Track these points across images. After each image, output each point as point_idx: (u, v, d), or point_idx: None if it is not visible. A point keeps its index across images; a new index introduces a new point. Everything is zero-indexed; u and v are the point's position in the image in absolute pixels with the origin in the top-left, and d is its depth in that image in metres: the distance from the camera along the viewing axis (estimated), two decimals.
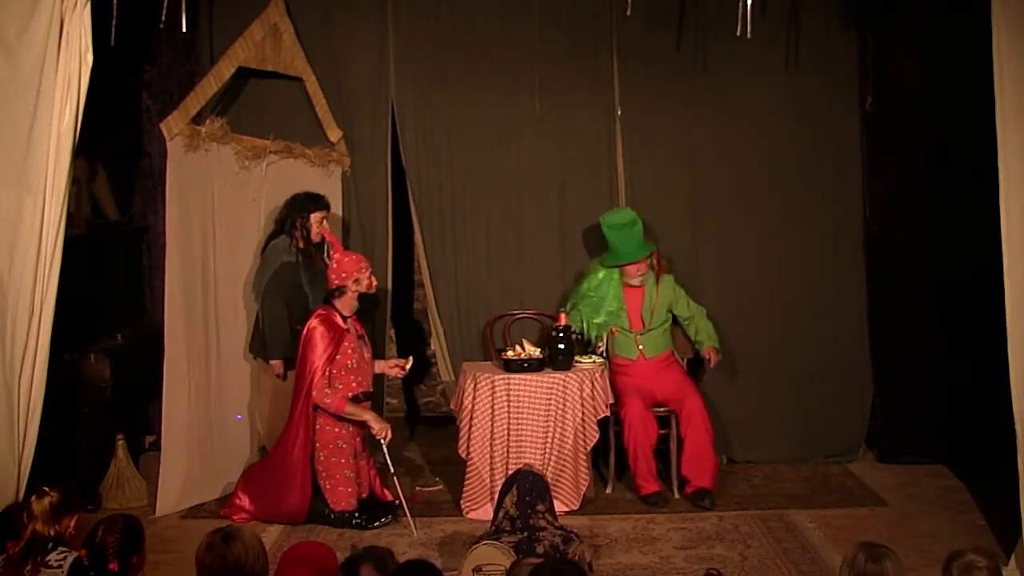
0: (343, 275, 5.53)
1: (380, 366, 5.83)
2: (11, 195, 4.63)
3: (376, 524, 5.47)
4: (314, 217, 5.91)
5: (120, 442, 5.96)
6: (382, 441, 5.47)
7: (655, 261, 6.15)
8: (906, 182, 6.54)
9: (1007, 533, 4.97)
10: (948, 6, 6.16)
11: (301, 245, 5.92)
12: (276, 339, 5.88)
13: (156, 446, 6.60)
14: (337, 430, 5.53)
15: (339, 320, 5.53)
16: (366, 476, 5.71)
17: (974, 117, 5.15)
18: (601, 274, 6.09)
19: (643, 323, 6.07)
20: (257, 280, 6.00)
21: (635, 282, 6.06)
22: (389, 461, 5.51)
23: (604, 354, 6.06)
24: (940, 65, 6.35)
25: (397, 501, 5.59)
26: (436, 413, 7.73)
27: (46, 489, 3.75)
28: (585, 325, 6.06)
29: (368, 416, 5.51)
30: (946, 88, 6.32)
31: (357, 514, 5.50)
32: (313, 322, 5.51)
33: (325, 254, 6.03)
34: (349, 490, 5.53)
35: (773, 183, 6.50)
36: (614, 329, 6.08)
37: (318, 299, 5.76)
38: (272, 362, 5.92)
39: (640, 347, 6.07)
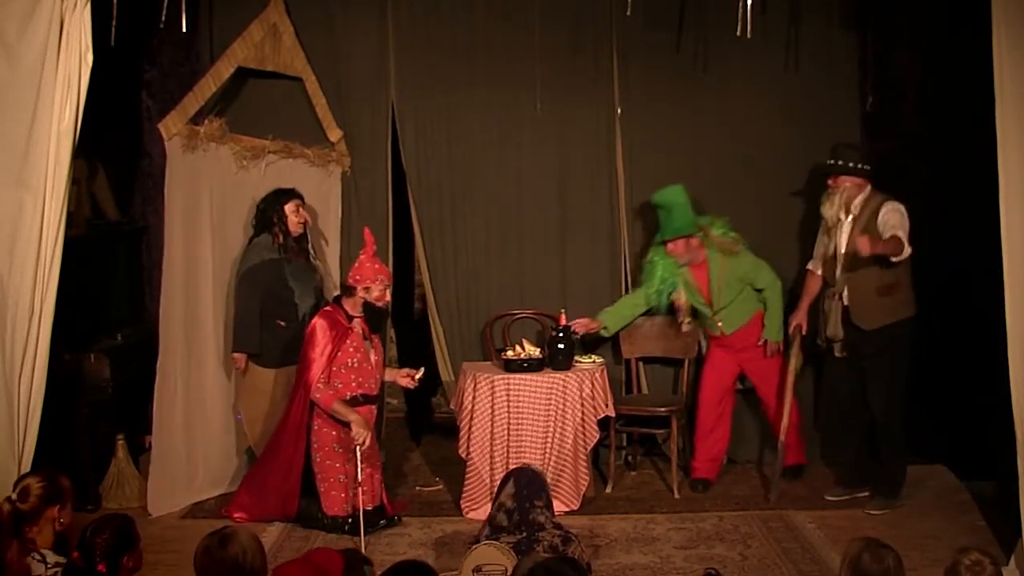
0: (356, 278, 5.49)
1: (391, 374, 5.80)
2: (11, 195, 4.62)
3: (370, 530, 5.32)
4: (288, 208, 5.88)
5: (120, 442, 5.96)
6: (357, 447, 5.33)
7: (709, 238, 6.08)
8: (906, 182, 6.53)
9: (1007, 533, 4.97)
10: (948, 6, 6.16)
11: (281, 240, 5.89)
12: (243, 332, 5.84)
13: None
14: (334, 433, 5.48)
15: (343, 318, 5.49)
16: (378, 487, 5.64)
17: (974, 117, 5.14)
18: (657, 255, 6.17)
19: (711, 301, 6.11)
20: (235, 276, 5.98)
21: (682, 261, 6.09)
22: (360, 469, 5.32)
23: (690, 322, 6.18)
24: (940, 65, 6.34)
25: (396, 516, 5.61)
26: (438, 413, 7.71)
27: (10, 498, 3.68)
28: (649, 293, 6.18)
29: (353, 418, 5.38)
30: (946, 88, 6.32)
31: (350, 520, 5.41)
32: (316, 319, 5.49)
33: (310, 248, 6.01)
34: (343, 495, 5.48)
35: (773, 183, 6.49)
36: (680, 300, 6.13)
37: (305, 294, 5.77)
38: (234, 355, 5.89)
39: (719, 323, 6.14)
